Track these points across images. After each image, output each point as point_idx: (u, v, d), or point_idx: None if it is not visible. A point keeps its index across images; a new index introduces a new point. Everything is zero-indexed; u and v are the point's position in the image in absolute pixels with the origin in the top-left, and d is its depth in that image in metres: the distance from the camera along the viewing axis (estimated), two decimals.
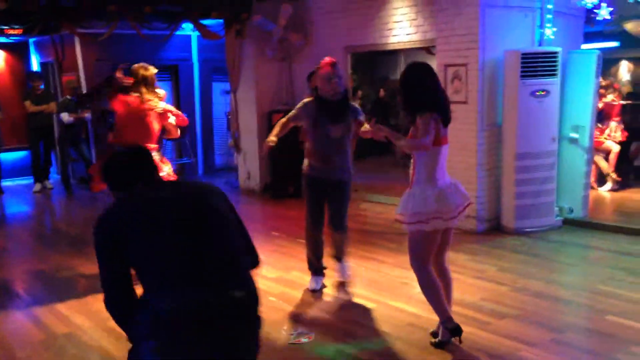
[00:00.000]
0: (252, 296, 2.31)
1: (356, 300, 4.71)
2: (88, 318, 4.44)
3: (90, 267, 5.65)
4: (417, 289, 4.76)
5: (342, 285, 4.99)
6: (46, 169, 10.16)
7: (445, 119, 3.65)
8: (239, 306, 2.24)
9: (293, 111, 4.85)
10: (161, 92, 5.33)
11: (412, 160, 3.81)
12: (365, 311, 4.50)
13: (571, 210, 6.80)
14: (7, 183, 10.31)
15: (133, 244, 2.24)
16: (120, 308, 2.33)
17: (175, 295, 2.14)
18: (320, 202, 4.86)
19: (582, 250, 5.98)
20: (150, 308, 2.16)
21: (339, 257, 5.05)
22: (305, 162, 4.90)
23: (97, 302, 4.77)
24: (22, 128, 10.35)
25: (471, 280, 5.04)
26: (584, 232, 6.46)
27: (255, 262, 2.54)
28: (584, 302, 4.58)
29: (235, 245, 2.38)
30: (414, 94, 3.64)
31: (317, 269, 5.01)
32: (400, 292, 4.81)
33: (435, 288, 3.79)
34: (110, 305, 2.35)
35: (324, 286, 4.98)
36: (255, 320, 2.34)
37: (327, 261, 5.07)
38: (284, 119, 4.87)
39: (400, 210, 3.76)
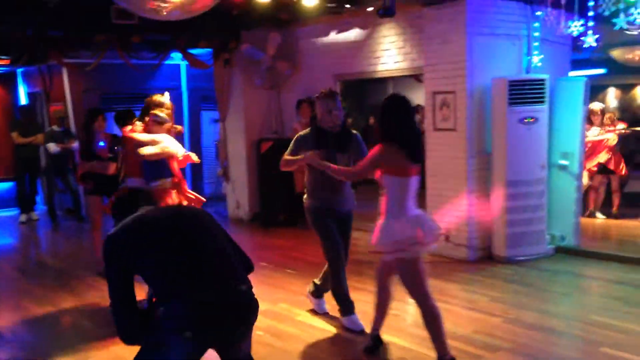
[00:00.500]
0: (251, 290, 2.85)
1: (345, 333, 4.58)
2: (68, 356, 4.29)
3: (73, 301, 5.52)
4: (409, 321, 4.69)
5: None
6: (32, 200, 10.02)
7: (411, 154, 3.70)
8: (246, 297, 2.81)
9: (291, 146, 4.67)
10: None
11: (382, 192, 3.85)
12: (354, 345, 4.38)
13: (563, 238, 6.73)
14: None
15: (145, 257, 2.70)
16: (128, 315, 2.74)
17: (201, 292, 2.64)
18: (338, 230, 4.68)
19: (575, 279, 5.90)
20: (181, 305, 2.61)
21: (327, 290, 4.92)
22: (308, 196, 4.76)
23: (77, 339, 4.63)
24: (7, 159, 10.24)
25: (463, 312, 4.94)
26: (576, 261, 6.39)
27: (248, 267, 3.01)
28: (577, 333, 4.48)
29: (228, 252, 2.89)
30: (383, 124, 3.78)
31: (350, 307, 4.70)
32: (391, 325, 4.67)
33: (438, 321, 3.73)
34: (119, 313, 2.74)
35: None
36: (256, 309, 2.87)
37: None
38: (286, 157, 4.68)
39: (378, 242, 3.81)
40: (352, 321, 4.63)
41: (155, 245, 2.72)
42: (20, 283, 6.41)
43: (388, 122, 3.75)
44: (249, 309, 2.83)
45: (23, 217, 9.80)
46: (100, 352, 4.34)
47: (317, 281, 5.02)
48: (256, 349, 4.26)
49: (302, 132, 4.77)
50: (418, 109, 10.46)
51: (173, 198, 5.07)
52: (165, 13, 4.30)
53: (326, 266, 4.80)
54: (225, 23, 8.09)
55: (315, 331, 4.65)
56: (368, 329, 4.38)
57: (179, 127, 5.50)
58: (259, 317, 4.81)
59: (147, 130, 5.13)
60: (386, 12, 5.71)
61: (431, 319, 3.74)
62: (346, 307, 4.68)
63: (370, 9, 7.02)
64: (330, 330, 4.65)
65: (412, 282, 3.79)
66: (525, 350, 4.15)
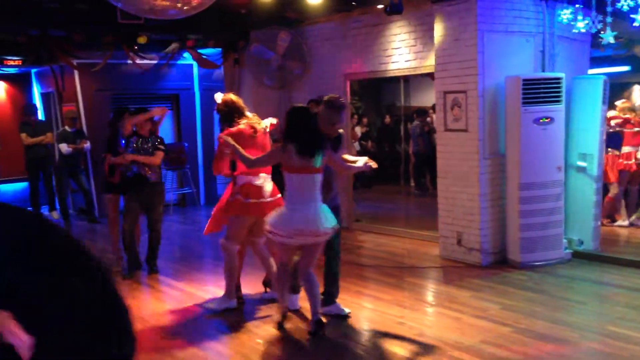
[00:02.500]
0: None
1: (347, 341, 4.42)
2: None
3: None
4: (415, 330, 4.51)
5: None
6: (52, 200, 9.98)
7: (299, 149, 4.22)
8: None
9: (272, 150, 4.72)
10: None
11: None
12: (355, 355, 4.21)
13: (581, 243, 6.48)
14: None
15: None
16: None
17: None
18: None
19: (592, 286, 5.66)
20: None
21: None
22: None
23: None
24: (21, 159, 10.27)
25: (472, 320, 4.73)
26: (594, 266, 6.13)
27: None
28: (591, 345, 4.25)
29: None
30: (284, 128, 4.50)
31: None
32: (395, 333, 4.52)
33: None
34: None
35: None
36: None
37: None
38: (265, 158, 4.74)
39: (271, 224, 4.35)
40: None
41: None
42: None
43: (287, 127, 4.40)
44: None
45: None
46: None
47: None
48: (253, 359, 4.15)
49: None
50: (429, 110, 10.28)
51: None
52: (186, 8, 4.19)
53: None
54: (234, 22, 8.00)
55: (315, 337, 4.49)
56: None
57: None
58: (259, 324, 4.77)
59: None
60: (393, 10, 5.54)
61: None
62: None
63: (380, 6, 6.85)
64: (333, 339, 4.49)
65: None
66: None
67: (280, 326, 4.62)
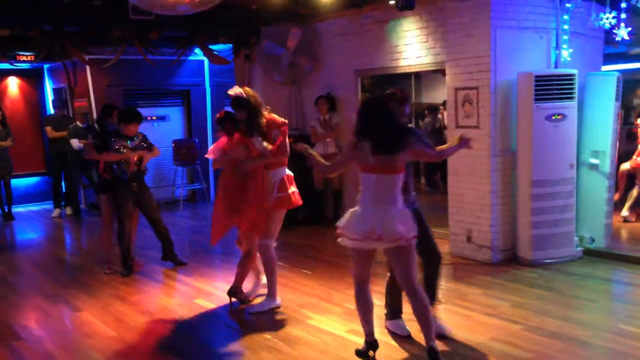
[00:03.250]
0: None
1: (354, 338, 4.41)
2: (73, 357, 4.23)
3: (85, 300, 5.48)
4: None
5: None
6: (71, 194, 10.02)
7: (375, 146, 3.76)
8: None
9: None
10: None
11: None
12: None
13: (592, 240, 6.43)
14: (18, 209, 10.27)
15: None
16: None
17: None
18: None
19: (603, 284, 5.61)
20: None
21: None
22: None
23: (84, 338, 4.58)
24: (36, 154, 10.35)
25: (482, 318, 4.71)
26: (606, 264, 6.08)
27: None
28: (602, 344, 4.21)
29: None
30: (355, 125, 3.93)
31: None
32: (414, 335, 4.49)
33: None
34: None
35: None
36: None
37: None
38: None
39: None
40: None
41: None
42: (36, 279, 6.42)
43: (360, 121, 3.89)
44: None
45: (56, 212, 9.89)
46: (106, 353, 4.27)
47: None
48: (262, 355, 4.15)
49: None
50: (440, 107, 10.22)
51: None
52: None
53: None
54: (245, 18, 7.99)
55: (324, 335, 4.48)
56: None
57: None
58: (269, 319, 4.77)
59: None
60: (405, 5, 5.51)
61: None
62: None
63: (392, 2, 6.81)
64: (341, 335, 4.48)
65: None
66: None
67: (362, 354, 4.04)
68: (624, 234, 7.37)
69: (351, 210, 3.86)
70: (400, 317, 4.48)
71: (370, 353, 4.01)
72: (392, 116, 3.87)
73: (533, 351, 4.06)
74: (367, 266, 3.95)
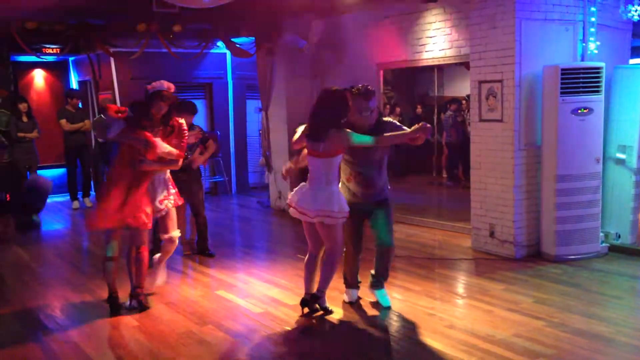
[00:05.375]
0: None
1: (377, 332, 4.41)
2: (97, 346, 4.30)
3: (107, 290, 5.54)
4: (445, 322, 4.47)
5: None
6: (86, 187, 10.18)
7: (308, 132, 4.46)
8: None
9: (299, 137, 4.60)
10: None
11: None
12: (384, 345, 4.20)
13: (618, 236, 6.33)
14: None
15: None
16: None
17: None
18: (360, 228, 4.83)
19: (629, 280, 5.52)
20: None
21: (383, 278, 4.94)
22: (342, 186, 4.69)
23: (108, 328, 4.64)
24: (61, 146, 10.49)
25: (504, 313, 4.67)
26: (631, 261, 5.98)
27: None
28: (627, 341, 4.15)
29: None
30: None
31: (353, 284, 5.03)
32: (425, 325, 4.48)
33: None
34: None
35: (359, 298, 5.01)
36: None
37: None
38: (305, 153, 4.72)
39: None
40: (352, 294, 5.01)
41: None
42: (61, 270, 6.52)
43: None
44: None
45: (75, 204, 10.03)
46: (129, 343, 4.33)
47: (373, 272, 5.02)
48: (281, 347, 4.16)
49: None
50: (462, 101, 10.12)
51: None
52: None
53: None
54: (267, 11, 7.98)
55: (343, 327, 4.48)
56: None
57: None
58: (289, 311, 4.79)
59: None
60: None
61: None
62: (349, 284, 5.06)
63: None
64: (362, 329, 4.48)
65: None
66: (569, 357, 3.87)
67: (305, 305, 4.72)
68: None
69: (301, 184, 4.55)
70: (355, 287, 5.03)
71: (305, 310, 4.70)
72: (321, 109, 4.38)
73: (556, 347, 4.01)
74: (311, 237, 4.67)
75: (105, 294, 5.13)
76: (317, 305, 4.71)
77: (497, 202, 6.29)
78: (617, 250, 6.22)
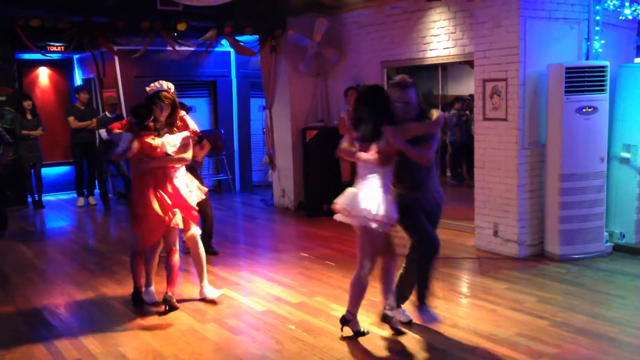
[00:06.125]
0: None
1: (378, 330, 4.40)
2: (100, 343, 4.31)
3: (113, 288, 5.56)
4: (448, 320, 4.45)
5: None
6: (91, 185, 10.22)
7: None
8: None
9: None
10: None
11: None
12: (386, 342, 4.19)
13: (623, 236, 6.31)
14: (48, 197, 10.46)
15: None
16: None
17: None
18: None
19: (633, 280, 5.50)
20: None
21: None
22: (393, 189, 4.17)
23: (111, 325, 4.65)
24: (65, 143, 10.51)
25: (508, 312, 4.66)
26: (636, 260, 5.96)
27: None
28: (630, 340, 4.13)
29: None
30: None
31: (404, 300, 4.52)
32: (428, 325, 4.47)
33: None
34: None
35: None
36: None
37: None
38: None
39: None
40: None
41: None
42: (65, 267, 6.53)
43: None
44: None
45: (80, 201, 10.06)
46: (132, 340, 4.34)
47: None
48: (286, 344, 4.17)
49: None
50: (466, 99, 10.07)
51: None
52: None
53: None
54: (271, 9, 7.99)
55: (347, 330, 4.48)
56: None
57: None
58: (292, 310, 4.79)
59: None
60: None
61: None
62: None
63: None
64: (364, 327, 4.47)
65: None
66: (572, 357, 3.87)
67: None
68: None
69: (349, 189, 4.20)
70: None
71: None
72: (363, 107, 4.09)
73: (559, 347, 4.00)
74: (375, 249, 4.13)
75: (110, 292, 5.13)
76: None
77: (501, 201, 6.28)
78: (622, 250, 6.19)
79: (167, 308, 4.84)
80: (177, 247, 4.93)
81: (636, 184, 6.25)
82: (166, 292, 4.86)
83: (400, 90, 4.13)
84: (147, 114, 4.71)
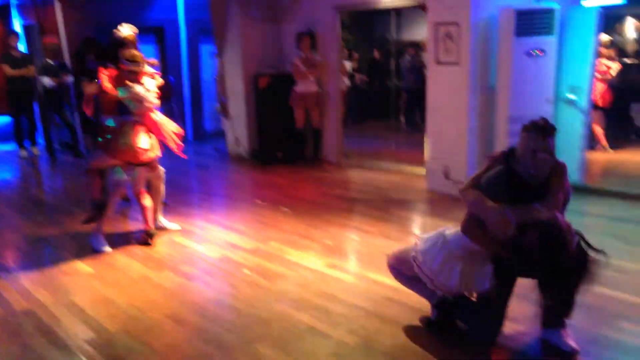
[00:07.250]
0: None
1: (334, 272, 4.47)
2: (50, 293, 4.23)
3: (63, 239, 5.45)
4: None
5: None
6: (32, 135, 9.85)
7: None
8: None
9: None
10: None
11: None
12: (341, 284, 4.27)
13: None
14: None
15: None
16: None
17: None
18: None
19: (575, 216, 5.57)
20: None
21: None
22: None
23: (61, 275, 4.57)
24: (1, 92, 10.04)
25: None
26: (579, 198, 6.13)
27: None
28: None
29: None
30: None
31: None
32: (381, 264, 4.56)
33: None
34: None
35: None
36: None
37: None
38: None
39: None
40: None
41: None
42: (13, 220, 6.34)
43: None
44: None
45: (23, 152, 9.70)
46: (83, 289, 4.28)
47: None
48: (242, 289, 4.20)
49: (491, 173, 3.33)
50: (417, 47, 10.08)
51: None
52: None
53: None
54: None
55: (304, 271, 4.53)
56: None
57: (152, 61, 5.70)
58: (247, 255, 4.81)
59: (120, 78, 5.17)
60: None
61: None
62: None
63: None
64: (320, 270, 4.53)
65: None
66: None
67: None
68: (597, 168, 7.47)
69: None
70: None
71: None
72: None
73: None
74: None
75: (59, 243, 5.04)
76: None
77: (452, 144, 6.37)
78: None
79: (151, 239, 5.21)
80: (144, 187, 5.31)
81: (581, 125, 6.41)
82: (148, 229, 5.23)
83: (543, 137, 3.22)
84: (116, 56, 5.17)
